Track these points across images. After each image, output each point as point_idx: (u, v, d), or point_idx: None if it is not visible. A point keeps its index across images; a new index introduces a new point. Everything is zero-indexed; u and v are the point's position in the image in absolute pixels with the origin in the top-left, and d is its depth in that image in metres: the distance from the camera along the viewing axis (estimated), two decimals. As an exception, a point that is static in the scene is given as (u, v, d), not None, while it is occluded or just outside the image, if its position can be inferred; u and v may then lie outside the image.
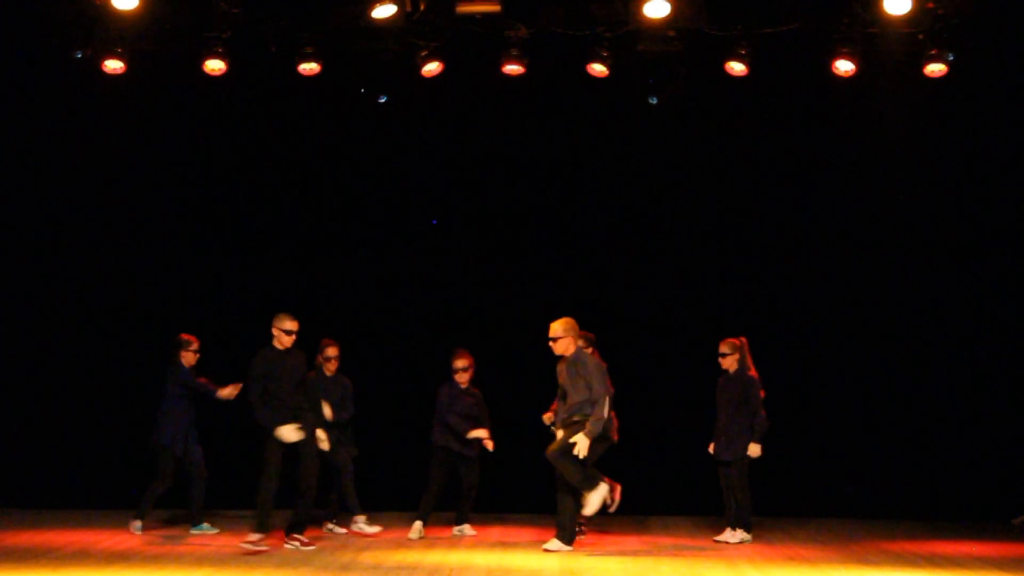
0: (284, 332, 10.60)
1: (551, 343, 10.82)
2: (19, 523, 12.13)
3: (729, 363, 11.50)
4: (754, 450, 11.30)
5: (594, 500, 10.51)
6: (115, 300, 13.74)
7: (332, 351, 11.79)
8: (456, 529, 11.77)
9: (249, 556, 10.19)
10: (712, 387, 11.63)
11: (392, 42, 12.19)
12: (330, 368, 11.78)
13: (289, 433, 10.36)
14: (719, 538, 11.47)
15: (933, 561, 10.45)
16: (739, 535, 11.35)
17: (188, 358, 11.62)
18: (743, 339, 11.56)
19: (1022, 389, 13.36)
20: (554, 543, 10.69)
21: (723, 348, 11.54)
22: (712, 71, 12.19)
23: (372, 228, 13.94)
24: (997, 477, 13.27)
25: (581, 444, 10.45)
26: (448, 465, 11.59)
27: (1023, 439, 13.31)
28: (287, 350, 10.63)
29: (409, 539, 11.37)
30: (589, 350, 11.20)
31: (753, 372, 11.45)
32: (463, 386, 11.65)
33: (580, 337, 11.05)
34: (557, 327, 10.81)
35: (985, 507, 13.18)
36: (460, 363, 11.63)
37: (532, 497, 12.82)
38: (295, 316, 10.63)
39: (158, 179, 13.84)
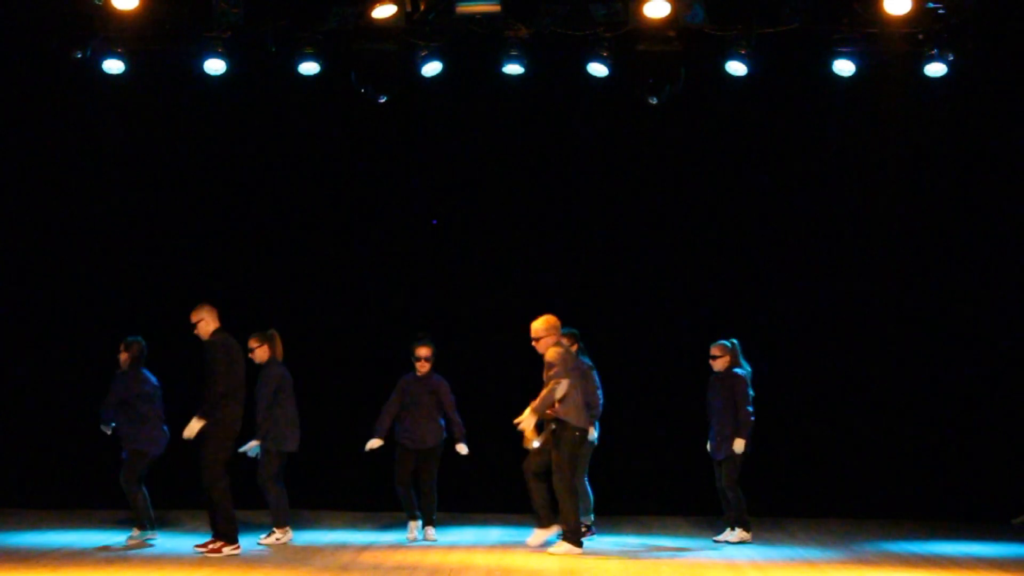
0: None
1: (534, 343, 10.83)
2: (19, 523, 12.14)
3: (719, 365, 11.52)
4: (739, 445, 11.28)
5: (561, 548, 10.56)
6: (115, 299, 13.73)
7: (251, 343, 11.34)
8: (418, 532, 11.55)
9: (248, 556, 10.20)
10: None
11: (392, 42, 12.19)
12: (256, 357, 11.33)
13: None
14: (719, 538, 11.47)
15: (933, 561, 10.45)
16: (738, 534, 11.35)
17: (121, 360, 11.38)
18: (734, 341, 11.56)
19: (1022, 389, 13.35)
20: (562, 546, 10.66)
21: (714, 351, 11.55)
22: (712, 71, 12.19)
23: (372, 228, 13.93)
24: (997, 477, 13.27)
25: (526, 422, 10.56)
26: (405, 460, 11.48)
27: (1023, 439, 13.31)
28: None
29: (408, 540, 11.36)
30: (574, 348, 11.15)
31: (740, 370, 11.45)
32: (419, 375, 11.52)
33: (565, 336, 11.02)
34: (538, 327, 10.81)
35: (985, 507, 13.17)
36: (419, 351, 11.52)
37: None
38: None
39: (158, 179, 13.83)
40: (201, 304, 10.67)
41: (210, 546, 10.31)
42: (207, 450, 10.33)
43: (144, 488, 11.10)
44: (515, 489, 13.12)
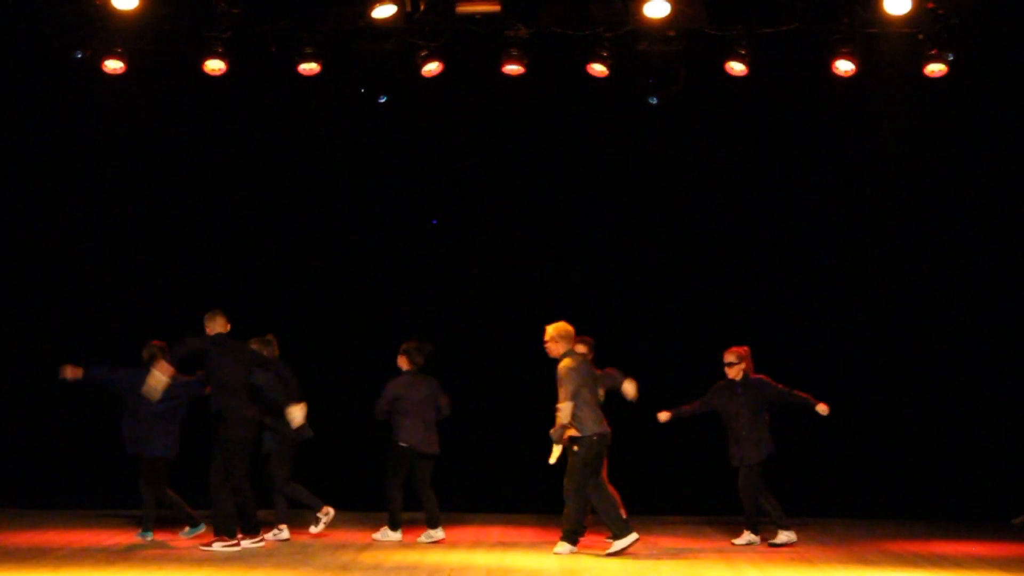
0: None
1: (545, 344, 10.79)
2: (19, 523, 12.14)
3: (735, 372, 11.47)
4: (823, 408, 11.38)
5: (619, 545, 10.54)
6: (115, 300, 13.74)
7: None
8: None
9: (248, 556, 10.19)
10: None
11: (392, 42, 12.20)
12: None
13: None
14: (737, 541, 11.43)
15: (933, 561, 10.45)
16: (746, 537, 11.31)
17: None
18: (747, 348, 11.54)
19: (1022, 389, 13.36)
20: (563, 546, 10.65)
21: (729, 357, 11.47)
22: (712, 71, 12.19)
23: (372, 228, 13.94)
24: (997, 477, 13.28)
25: (553, 454, 10.54)
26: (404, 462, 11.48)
27: (1023, 439, 13.31)
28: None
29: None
30: (590, 356, 11.07)
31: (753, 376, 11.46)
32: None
33: (579, 342, 10.93)
34: (549, 330, 10.75)
35: (985, 507, 13.18)
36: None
37: (533, 497, 12.82)
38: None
39: (158, 179, 13.84)
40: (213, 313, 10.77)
41: (208, 540, 10.38)
42: (224, 453, 10.40)
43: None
44: (515, 489, 13.17)
